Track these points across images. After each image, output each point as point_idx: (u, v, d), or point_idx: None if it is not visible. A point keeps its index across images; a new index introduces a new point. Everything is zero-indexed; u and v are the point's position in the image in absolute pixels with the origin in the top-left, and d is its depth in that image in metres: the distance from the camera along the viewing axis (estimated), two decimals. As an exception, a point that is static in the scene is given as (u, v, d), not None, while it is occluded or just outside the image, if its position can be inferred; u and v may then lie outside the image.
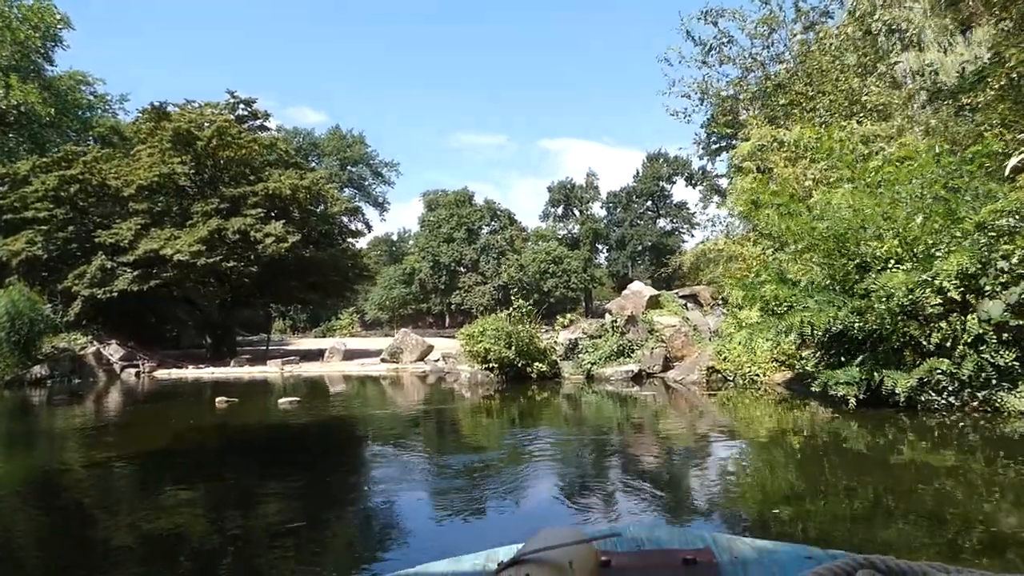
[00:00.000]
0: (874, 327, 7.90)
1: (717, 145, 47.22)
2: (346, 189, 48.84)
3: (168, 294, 26.85)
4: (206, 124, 25.11)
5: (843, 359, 9.19)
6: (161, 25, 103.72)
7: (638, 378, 14.06)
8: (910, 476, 6.04)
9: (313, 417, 10.72)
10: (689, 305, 16.13)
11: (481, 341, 14.27)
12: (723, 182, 48.10)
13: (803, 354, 11.70)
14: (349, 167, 48.51)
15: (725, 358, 12.79)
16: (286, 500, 5.64)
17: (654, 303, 15.64)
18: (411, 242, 49.94)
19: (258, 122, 29.34)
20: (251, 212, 24.06)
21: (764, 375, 12.05)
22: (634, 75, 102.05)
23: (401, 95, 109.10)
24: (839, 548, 1.21)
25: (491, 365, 14.29)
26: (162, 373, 22.95)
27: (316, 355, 25.52)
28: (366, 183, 49.92)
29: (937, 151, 7.71)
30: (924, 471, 6.23)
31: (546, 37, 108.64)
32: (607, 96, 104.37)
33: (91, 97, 34.69)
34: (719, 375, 12.83)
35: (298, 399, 11.99)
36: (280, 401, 11.72)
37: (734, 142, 15.08)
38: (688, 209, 54.49)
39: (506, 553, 1.07)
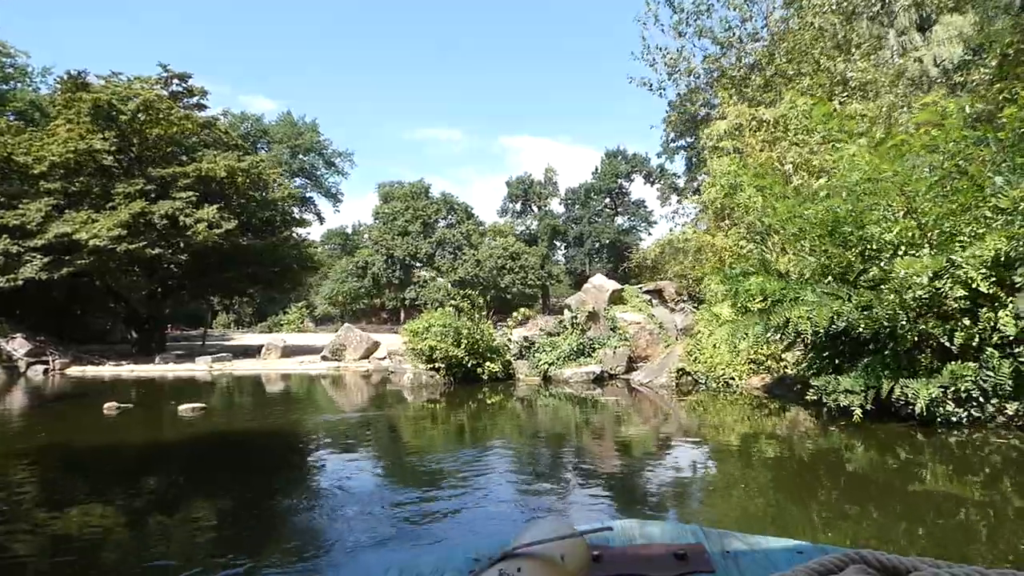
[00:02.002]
0: (884, 324, 6.49)
1: (676, 144, 46.63)
2: (297, 178, 46.01)
3: (90, 284, 24.19)
4: (134, 99, 22.52)
5: (838, 361, 7.82)
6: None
7: (600, 380, 12.53)
8: (931, 511, 4.67)
9: (216, 431, 8.75)
10: (654, 301, 14.72)
11: (427, 338, 12.50)
12: (681, 181, 47.47)
13: (784, 356, 10.37)
14: (300, 155, 45.50)
15: (696, 359, 11.37)
16: None
17: (617, 298, 14.15)
18: (366, 235, 47.55)
19: (195, 100, 26.64)
20: (181, 195, 21.67)
21: (740, 378, 10.66)
22: (594, 73, 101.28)
23: (360, 86, 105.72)
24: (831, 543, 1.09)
25: (437, 365, 12.54)
26: (75, 371, 20.55)
27: (255, 351, 23.29)
28: (318, 173, 47.01)
29: (968, 110, 6.32)
30: (947, 505, 4.85)
31: (506, 33, 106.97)
32: (566, 94, 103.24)
33: (10, 69, 31.38)
34: (689, 378, 11.40)
35: (203, 406, 9.98)
36: (181, 409, 9.71)
37: (711, 120, 13.63)
38: (646, 207, 53.70)
39: (497, 546, 0.96)
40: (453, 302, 13.00)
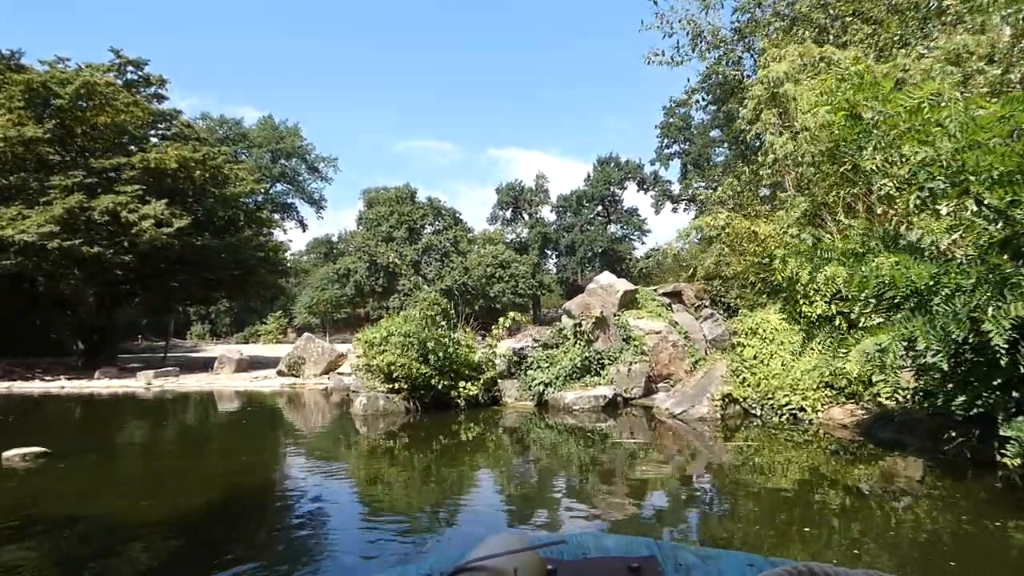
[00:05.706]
0: None
1: (669, 151, 43.71)
2: (278, 184, 42.63)
3: (46, 292, 20.76)
4: (73, 82, 19.20)
5: (1001, 386, 4.61)
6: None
7: (612, 407, 9.26)
8: None
9: (30, 502, 5.38)
10: (674, 306, 11.51)
11: (385, 351, 9.20)
12: (675, 187, 44.45)
13: (876, 380, 7.14)
14: (282, 160, 42.12)
15: (744, 380, 8.12)
16: None
17: (629, 302, 10.94)
18: (352, 244, 44.20)
19: (152, 89, 23.32)
20: (126, 189, 18.36)
21: (814, 409, 7.41)
22: (584, 85, 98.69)
23: (348, 98, 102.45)
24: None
25: (399, 386, 9.23)
26: (2, 386, 17.16)
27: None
28: (300, 178, 43.64)
29: None
30: None
31: (496, 45, 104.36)
32: (556, 106, 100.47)
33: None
34: (737, 407, 8.14)
35: (43, 451, 6.61)
36: (8, 455, 6.37)
37: (761, 67, 10.48)
38: (639, 215, 50.65)
39: (451, 562, 0.93)
40: (421, 305, 9.70)
